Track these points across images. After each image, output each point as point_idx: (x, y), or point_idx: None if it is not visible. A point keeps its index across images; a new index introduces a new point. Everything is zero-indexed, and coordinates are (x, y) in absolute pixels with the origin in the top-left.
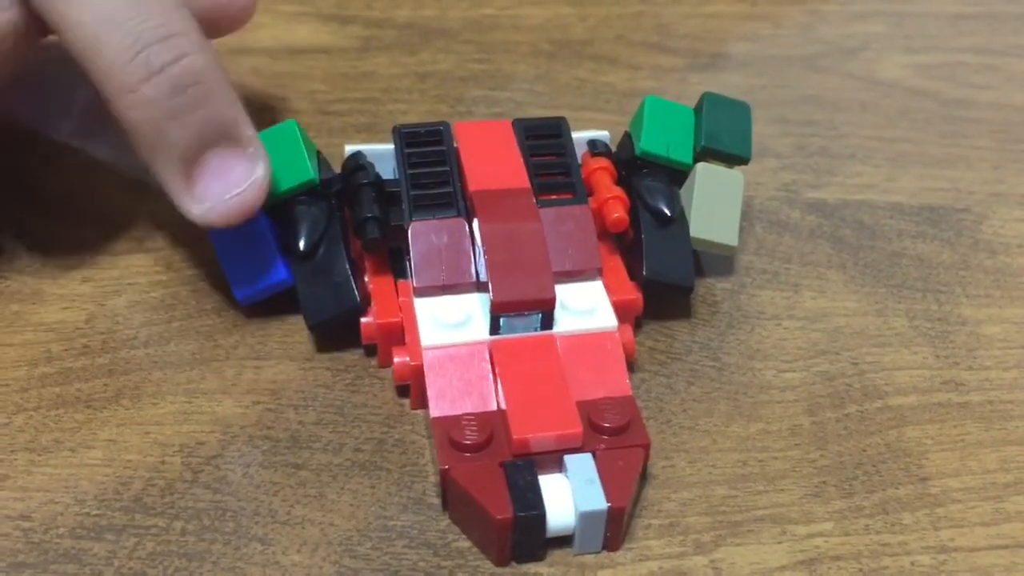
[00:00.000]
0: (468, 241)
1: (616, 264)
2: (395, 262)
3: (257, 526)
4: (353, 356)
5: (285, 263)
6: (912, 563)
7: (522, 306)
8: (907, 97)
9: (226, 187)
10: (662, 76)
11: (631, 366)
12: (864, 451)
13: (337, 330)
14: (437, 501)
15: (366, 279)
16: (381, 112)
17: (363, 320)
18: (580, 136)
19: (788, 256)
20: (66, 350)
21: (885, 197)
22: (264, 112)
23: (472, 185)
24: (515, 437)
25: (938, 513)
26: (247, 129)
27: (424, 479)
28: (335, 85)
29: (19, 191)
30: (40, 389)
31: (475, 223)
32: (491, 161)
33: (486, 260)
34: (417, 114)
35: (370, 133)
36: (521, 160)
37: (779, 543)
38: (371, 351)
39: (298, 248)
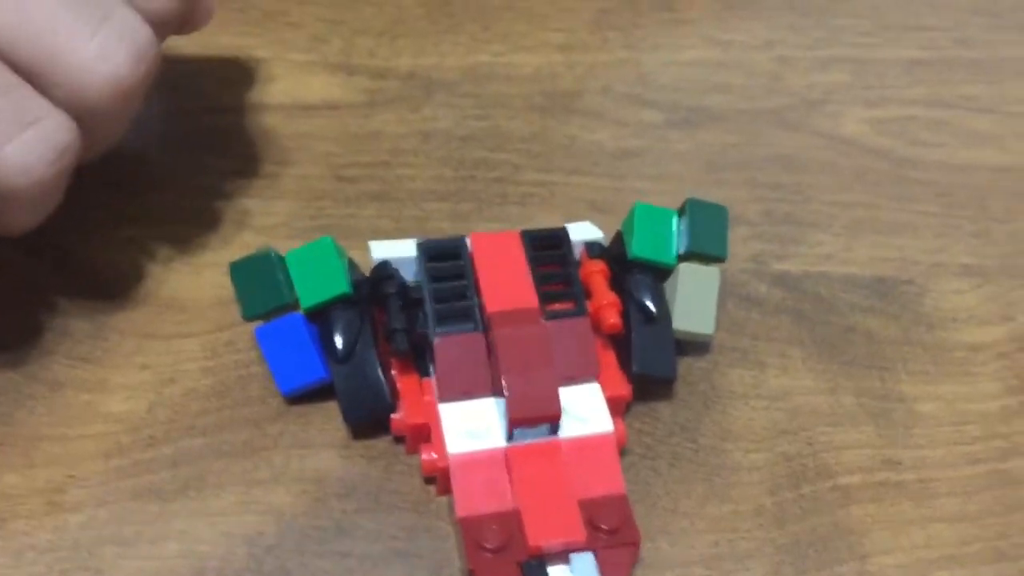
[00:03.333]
0: (485, 353)
1: (609, 358)
2: (419, 357)
3: None
4: (384, 443)
5: (323, 361)
6: None
7: (534, 421)
8: (863, 156)
9: None
10: (644, 134)
11: (622, 451)
12: (815, 530)
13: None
14: None
15: (393, 373)
16: (390, 178)
17: (393, 416)
18: (577, 234)
19: (756, 333)
20: (134, 441)
21: (841, 268)
22: (286, 180)
23: (489, 306)
24: (531, 544)
25: None
26: None
27: (451, 564)
28: (346, 146)
29: (68, 268)
30: (116, 482)
31: (491, 337)
32: (504, 278)
33: (504, 382)
34: (424, 180)
35: (382, 203)
36: (530, 277)
37: None
38: (399, 439)
39: (335, 352)
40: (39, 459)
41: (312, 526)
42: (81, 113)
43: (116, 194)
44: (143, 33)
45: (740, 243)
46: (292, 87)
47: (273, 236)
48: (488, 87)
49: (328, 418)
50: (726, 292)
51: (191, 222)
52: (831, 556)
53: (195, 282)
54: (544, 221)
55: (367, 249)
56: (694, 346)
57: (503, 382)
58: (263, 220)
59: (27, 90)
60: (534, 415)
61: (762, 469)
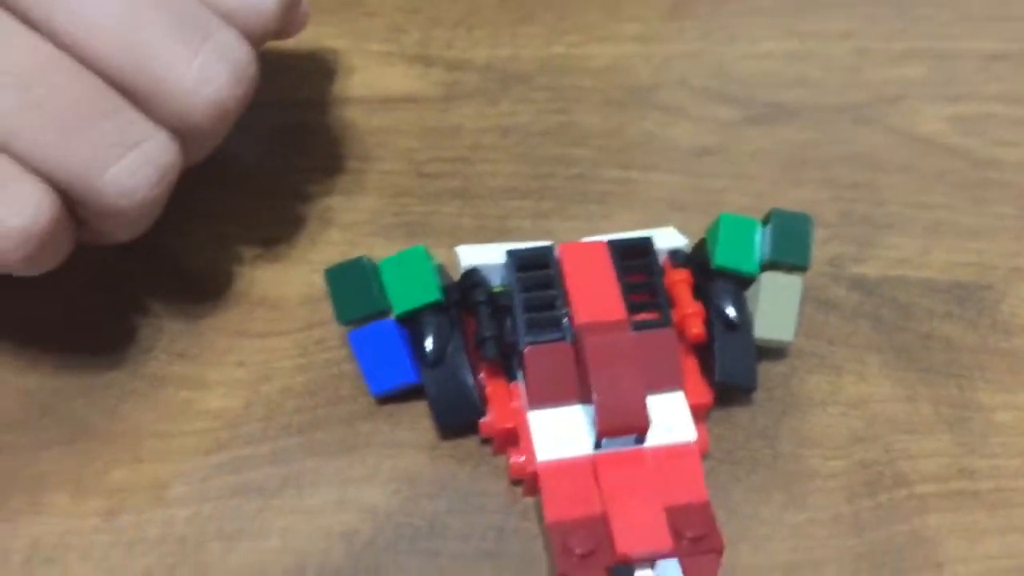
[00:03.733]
0: (574, 363)
1: (691, 365)
2: (506, 362)
3: None
4: (471, 443)
5: (413, 365)
6: None
7: (623, 432)
8: (942, 156)
9: None
10: (721, 131)
11: (702, 457)
12: (891, 539)
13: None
14: None
15: (482, 376)
16: (471, 174)
17: (482, 420)
18: (661, 241)
19: (833, 338)
20: (233, 438)
21: (919, 272)
22: (369, 176)
23: (578, 317)
24: (619, 552)
25: None
26: None
27: (539, 566)
28: (426, 141)
29: (160, 265)
30: (218, 478)
31: (580, 348)
32: (592, 288)
33: (594, 394)
34: (504, 176)
35: (464, 200)
36: (618, 288)
37: None
38: (486, 439)
39: (426, 357)
40: (145, 454)
41: (405, 524)
42: (181, 132)
43: (203, 191)
44: (243, 52)
45: (818, 245)
46: (371, 79)
47: (358, 234)
48: (564, 80)
49: (417, 417)
50: (805, 295)
51: (277, 220)
52: (907, 564)
53: (284, 279)
54: (624, 219)
55: (449, 248)
56: (772, 350)
57: (593, 394)
58: (348, 217)
59: (131, 112)
60: (623, 427)
61: (839, 476)
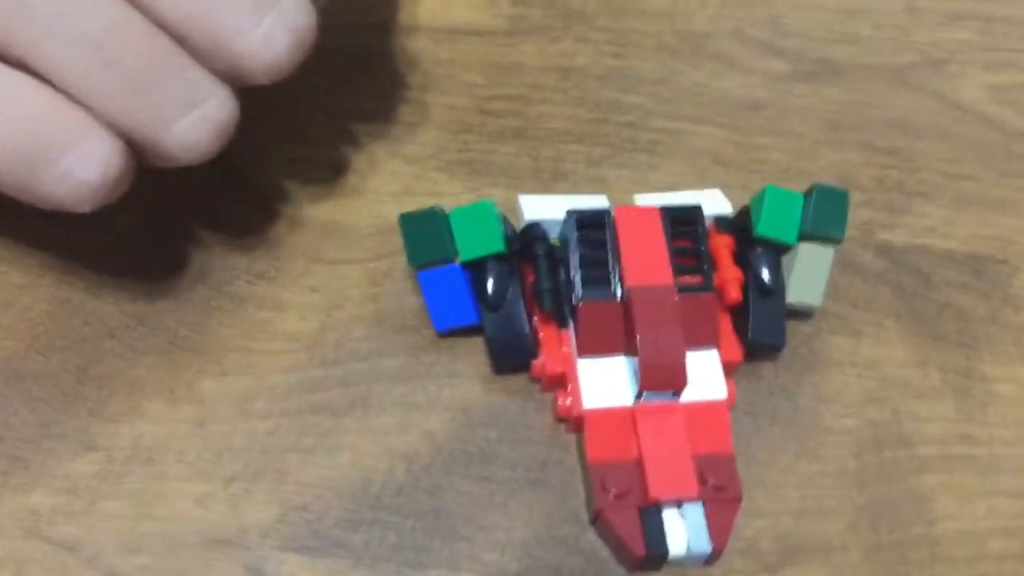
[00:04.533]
0: (621, 319)
1: (726, 323)
2: (560, 310)
3: (463, 527)
4: (522, 380)
5: (475, 307)
6: None
7: (663, 388)
8: (977, 125)
9: None
10: (770, 84)
11: (730, 408)
12: (890, 494)
13: None
14: (586, 517)
15: (535, 320)
16: (531, 114)
17: (534, 362)
18: (709, 206)
19: (856, 301)
20: (309, 359)
21: (942, 243)
22: (432, 109)
23: (629, 280)
24: (651, 495)
25: (937, 551)
26: None
27: (577, 497)
28: (489, 77)
29: (238, 185)
30: (296, 395)
31: (629, 308)
32: (643, 252)
33: (640, 352)
34: (561, 119)
35: (522, 141)
36: (667, 254)
37: (824, 566)
38: (536, 378)
39: (487, 301)
40: (230, 368)
41: (460, 450)
42: (238, 86)
43: (273, 111)
44: (307, 17)
45: (852, 209)
46: (437, 8)
47: (423, 168)
48: (623, 22)
49: (473, 352)
50: (834, 257)
51: (343, 145)
52: (902, 518)
53: (351, 207)
54: (670, 171)
55: (507, 188)
56: (801, 312)
57: (639, 353)
58: (411, 150)
59: (197, 71)
60: (664, 384)
61: (851, 433)
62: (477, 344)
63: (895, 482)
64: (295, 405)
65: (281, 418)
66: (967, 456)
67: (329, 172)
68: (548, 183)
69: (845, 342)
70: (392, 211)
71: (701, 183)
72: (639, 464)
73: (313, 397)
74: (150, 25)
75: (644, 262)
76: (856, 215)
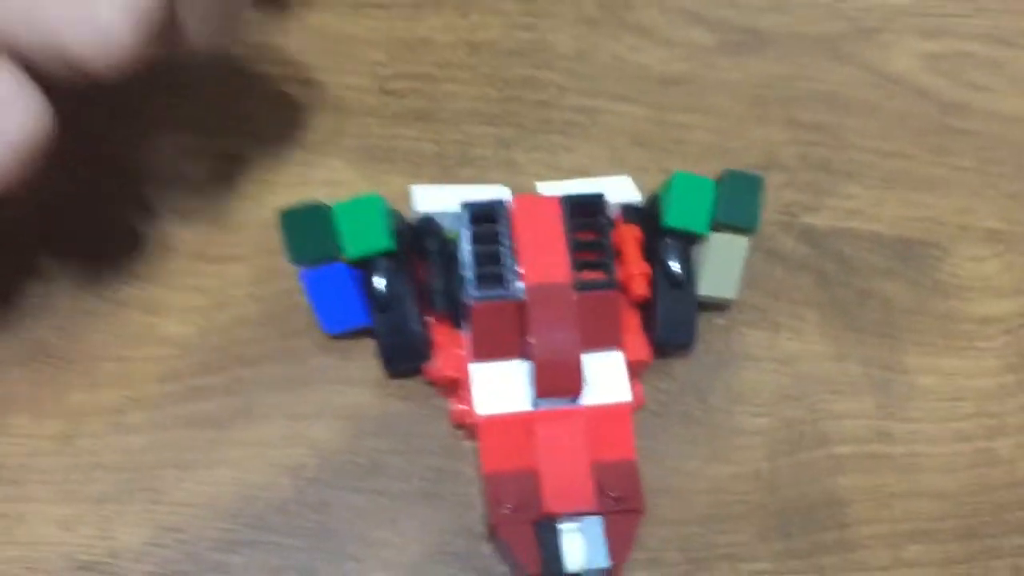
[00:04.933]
0: (518, 321)
1: (632, 321)
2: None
3: (351, 545)
4: (416, 384)
5: (365, 307)
6: None
7: (559, 394)
8: (909, 98)
9: None
10: (693, 57)
11: (638, 410)
12: (804, 497)
13: None
14: (483, 530)
15: (429, 321)
16: (436, 94)
17: (428, 366)
18: (615, 194)
19: (776, 291)
20: (188, 366)
21: (868, 226)
22: (332, 89)
23: (526, 278)
24: (545, 509)
25: (850, 558)
26: None
27: (473, 510)
28: (394, 55)
29: (123, 175)
30: (173, 407)
31: (525, 308)
32: (541, 248)
33: (535, 359)
34: (468, 99)
35: (426, 123)
36: (566, 249)
37: None
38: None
39: (377, 301)
40: (101, 378)
41: (349, 462)
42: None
43: (159, 96)
44: None
45: (773, 191)
46: None
47: (318, 154)
48: None
49: (366, 354)
50: (754, 244)
51: (234, 131)
52: (815, 523)
53: (240, 199)
54: (585, 154)
55: (408, 176)
56: (714, 304)
57: (533, 357)
58: (308, 136)
59: None
60: (560, 390)
61: (764, 434)
62: (371, 346)
63: (809, 484)
64: (172, 417)
65: (156, 432)
66: (885, 455)
67: (217, 162)
68: (454, 169)
69: (762, 336)
70: (284, 202)
71: (619, 166)
72: (536, 473)
73: (192, 408)
74: None
75: (542, 258)
76: (778, 197)
